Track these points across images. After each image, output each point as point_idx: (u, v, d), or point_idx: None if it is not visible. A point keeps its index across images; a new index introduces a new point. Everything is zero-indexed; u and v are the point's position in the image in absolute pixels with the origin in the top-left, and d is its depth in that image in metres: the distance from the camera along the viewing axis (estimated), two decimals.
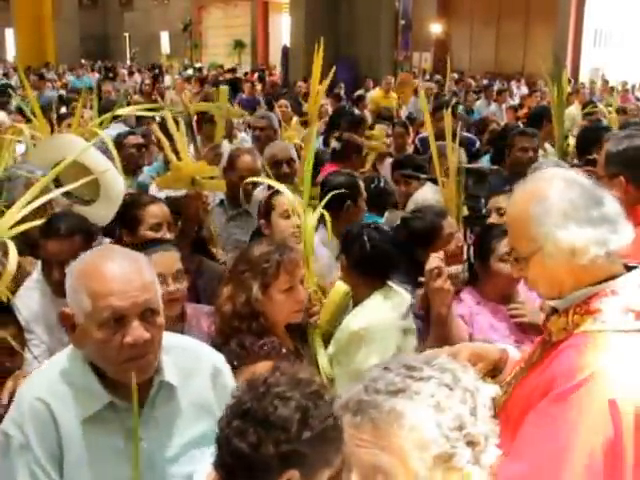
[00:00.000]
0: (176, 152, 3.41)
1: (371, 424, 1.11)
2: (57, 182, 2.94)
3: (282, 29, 25.05)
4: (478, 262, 2.84)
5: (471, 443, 1.13)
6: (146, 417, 1.67)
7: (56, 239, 2.75)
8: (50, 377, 1.68)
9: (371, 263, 2.72)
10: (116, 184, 3.27)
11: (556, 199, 1.54)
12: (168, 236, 2.97)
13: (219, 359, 1.90)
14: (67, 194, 3.09)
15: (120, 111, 4.25)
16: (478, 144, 6.33)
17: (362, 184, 3.62)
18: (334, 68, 4.63)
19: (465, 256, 3.06)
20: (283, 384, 1.30)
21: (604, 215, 1.53)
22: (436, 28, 23.45)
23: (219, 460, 1.34)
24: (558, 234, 1.52)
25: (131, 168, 4.79)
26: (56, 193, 2.63)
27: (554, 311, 1.64)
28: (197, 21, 28.91)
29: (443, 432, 1.11)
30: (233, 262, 2.46)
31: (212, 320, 2.50)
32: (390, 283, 2.79)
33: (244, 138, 6.38)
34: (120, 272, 1.60)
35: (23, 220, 2.45)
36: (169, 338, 1.78)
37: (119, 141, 4.94)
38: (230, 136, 5.92)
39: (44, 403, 1.61)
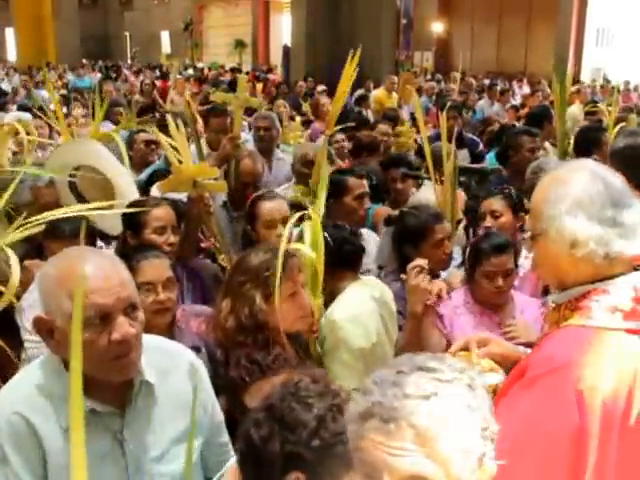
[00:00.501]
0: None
1: (413, 430, 1.07)
2: (73, 188, 2.98)
3: (283, 29, 25.07)
4: (469, 267, 2.91)
5: (492, 440, 1.16)
6: (129, 418, 1.67)
7: (61, 240, 2.76)
8: (27, 389, 1.65)
9: (338, 257, 2.76)
10: (132, 197, 3.28)
11: (575, 188, 1.56)
12: (172, 239, 2.96)
13: (194, 357, 1.91)
14: (82, 200, 3.11)
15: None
16: (481, 146, 6.34)
17: (355, 181, 3.58)
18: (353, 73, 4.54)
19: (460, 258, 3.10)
20: (311, 390, 1.32)
21: (620, 218, 1.54)
22: (437, 27, 23.46)
23: (237, 446, 1.39)
24: (565, 221, 1.54)
25: (140, 165, 4.76)
26: (81, 210, 2.63)
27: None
28: (198, 20, 28.93)
29: (479, 433, 1.12)
30: (229, 273, 2.38)
31: (201, 320, 2.50)
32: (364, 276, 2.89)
33: (245, 138, 6.38)
34: (98, 270, 1.58)
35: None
36: (144, 338, 1.77)
37: (130, 139, 4.93)
38: None
39: (23, 418, 1.58)
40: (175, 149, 3.42)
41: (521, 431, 1.44)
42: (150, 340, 1.80)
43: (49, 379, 1.63)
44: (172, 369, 1.80)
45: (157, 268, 2.44)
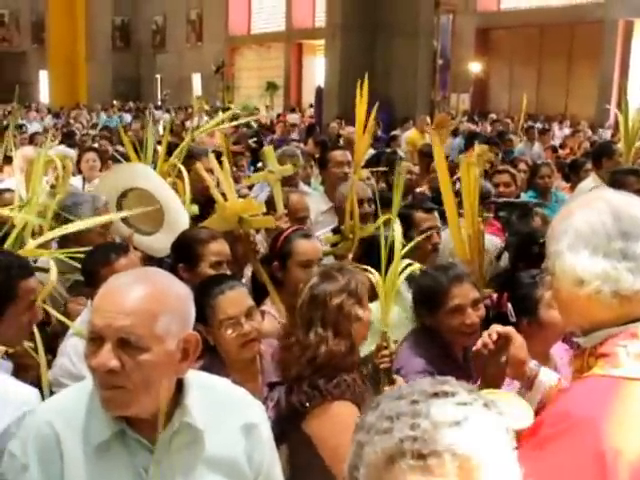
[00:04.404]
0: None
1: (456, 462, 0.97)
2: (119, 210, 3.14)
3: (315, 70, 25.61)
4: (523, 317, 2.61)
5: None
6: (159, 457, 1.58)
7: (111, 266, 2.67)
8: (65, 403, 1.66)
9: None
10: (180, 217, 3.37)
11: (578, 219, 1.46)
12: None
13: (255, 410, 1.81)
14: (128, 222, 3.25)
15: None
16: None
17: (421, 215, 3.62)
18: (374, 110, 4.59)
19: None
20: None
21: (632, 251, 1.41)
22: (475, 67, 23.75)
23: None
24: (566, 256, 1.45)
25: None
26: (115, 217, 2.73)
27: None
28: (230, 63, 29.62)
29: (512, 454, 1.05)
30: (327, 297, 2.27)
31: (275, 351, 2.47)
32: None
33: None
34: (115, 291, 1.55)
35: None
36: (202, 377, 1.75)
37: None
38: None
39: (53, 429, 1.57)
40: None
41: None
42: (209, 380, 1.77)
43: (91, 395, 1.60)
44: (227, 418, 1.70)
45: (236, 300, 2.39)
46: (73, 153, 5.90)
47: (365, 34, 17.23)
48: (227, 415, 1.70)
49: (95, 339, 1.52)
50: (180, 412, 1.60)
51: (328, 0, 19.04)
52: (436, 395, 1.02)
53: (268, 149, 4.38)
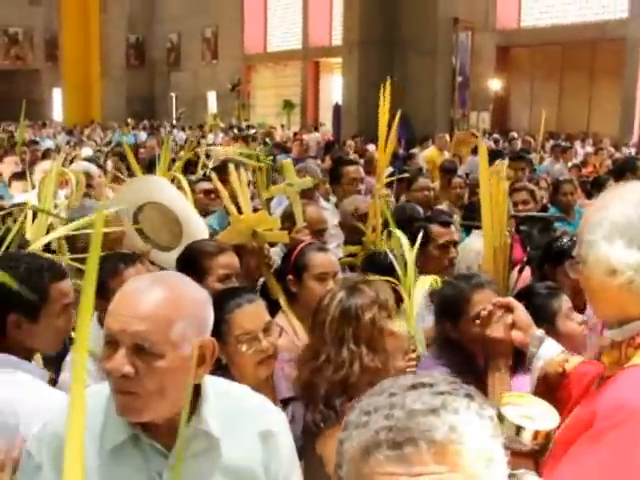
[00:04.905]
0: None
1: (432, 449, 0.96)
2: (136, 224, 3.17)
3: (332, 88, 25.78)
4: (541, 328, 2.51)
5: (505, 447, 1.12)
6: (173, 461, 1.58)
7: (120, 276, 2.64)
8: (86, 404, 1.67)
9: None
10: (198, 227, 3.42)
11: (614, 211, 1.52)
12: None
13: (274, 417, 1.80)
14: (143, 235, 3.27)
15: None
16: None
17: (439, 229, 3.64)
18: (394, 127, 4.58)
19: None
20: None
21: None
22: (495, 84, 23.80)
23: None
24: (601, 246, 1.50)
25: (200, 214, 4.99)
26: (118, 228, 2.74)
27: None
28: (246, 81, 29.89)
29: (497, 440, 1.04)
30: (359, 311, 2.23)
31: (292, 365, 2.41)
32: None
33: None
34: (131, 295, 1.54)
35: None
36: (220, 383, 1.74)
37: (189, 188, 5.19)
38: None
39: None
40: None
41: None
42: (226, 387, 1.76)
43: (108, 398, 1.59)
44: (244, 425, 1.70)
45: (254, 314, 2.30)
46: (95, 169, 6.04)
47: (383, 51, 17.37)
48: (244, 422, 1.69)
49: (111, 342, 1.52)
50: (196, 419, 1.60)
51: (345, 17, 19.22)
52: (414, 387, 1.02)
53: (287, 162, 4.31)
